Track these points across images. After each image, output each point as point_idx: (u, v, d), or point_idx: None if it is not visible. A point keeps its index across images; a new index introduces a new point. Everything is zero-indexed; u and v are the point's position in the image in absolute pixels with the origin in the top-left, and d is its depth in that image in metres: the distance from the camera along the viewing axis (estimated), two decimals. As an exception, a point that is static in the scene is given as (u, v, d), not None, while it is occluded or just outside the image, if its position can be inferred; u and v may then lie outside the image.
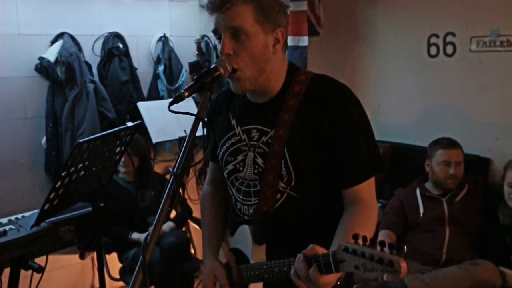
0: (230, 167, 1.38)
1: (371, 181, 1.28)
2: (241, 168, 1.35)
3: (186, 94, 1.07)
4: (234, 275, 1.39)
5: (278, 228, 1.30)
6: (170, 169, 1.00)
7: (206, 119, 1.42)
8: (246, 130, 1.34)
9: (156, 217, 0.99)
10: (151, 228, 0.98)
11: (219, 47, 1.22)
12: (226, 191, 1.52)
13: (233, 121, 1.38)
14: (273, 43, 1.24)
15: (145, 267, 0.95)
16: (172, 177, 1.02)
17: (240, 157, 1.35)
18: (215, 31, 1.24)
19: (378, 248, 0.90)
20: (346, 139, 1.24)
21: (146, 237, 0.98)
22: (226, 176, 1.41)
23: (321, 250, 1.07)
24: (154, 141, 3.16)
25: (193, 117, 1.09)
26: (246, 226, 1.34)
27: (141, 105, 3.25)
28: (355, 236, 0.94)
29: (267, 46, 1.23)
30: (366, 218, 1.25)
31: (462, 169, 2.61)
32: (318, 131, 1.24)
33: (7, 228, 1.73)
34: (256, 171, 1.31)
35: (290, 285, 1.13)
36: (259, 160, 1.30)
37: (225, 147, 1.39)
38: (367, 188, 1.27)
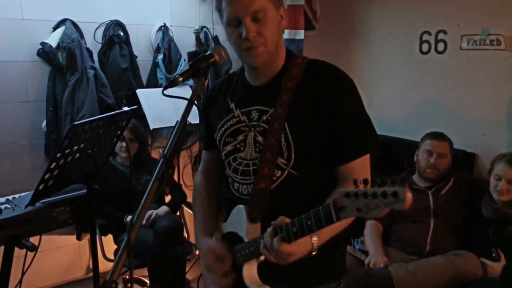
0: (229, 148, 1.37)
1: (365, 159, 1.28)
2: (242, 148, 1.34)
3: (181, 79, 1.08)
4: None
5: (276, 207, 1.27)
6: (161, 151, 1.03)
7: (201, 109, 1.42)
8: (246, 112, 1.34)
9: (144, 197, 0.97)
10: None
11: (237, 33, 1.23)
12: (218, 180, 1.53)
13: (232, 105, 1.38)
14: (280, 20, 1.28)
15: (129, 247, 0.92)
16: (161, 159, 1.01)
17: (240, 137, 1.35)
18: (231, 21, 1.23)
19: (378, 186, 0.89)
20: (342, 117, 1.25)
21: (133, 218, 0.95)
22: (223, 157, 1.41)
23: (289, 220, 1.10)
24: (151, 127, 3.15)
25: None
26: (242, 206, 1.32)
27: (140, 92, 3.25)
28: (355, 182, 0.92)
29: (279, 22, 1.28)
30: None
31: (445, 162, 2.61)
32: (316, 110, 1.26)
33: (2, 207, 1.71)
34: (257, 149, 1.31)
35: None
36: (260, 138, 1.30)
37: (223, 129, 1.39)
38: (361, 166, 1.27)
